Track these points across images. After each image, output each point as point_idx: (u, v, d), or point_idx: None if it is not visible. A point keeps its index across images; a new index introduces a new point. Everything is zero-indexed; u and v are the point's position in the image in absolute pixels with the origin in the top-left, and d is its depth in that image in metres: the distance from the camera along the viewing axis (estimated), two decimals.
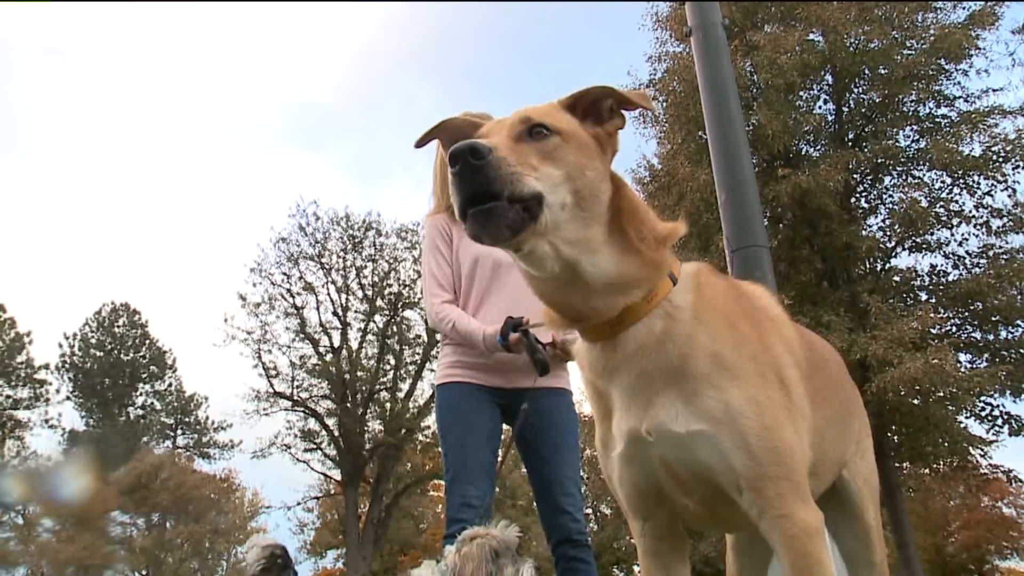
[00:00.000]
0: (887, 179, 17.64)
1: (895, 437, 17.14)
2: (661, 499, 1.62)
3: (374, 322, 34.27)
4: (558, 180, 1.43)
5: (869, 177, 17.66)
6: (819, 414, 1.73)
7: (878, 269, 17.61)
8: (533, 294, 3.51)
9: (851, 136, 17.60)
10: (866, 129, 17.44)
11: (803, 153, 17.85)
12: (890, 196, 17.56)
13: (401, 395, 33.91)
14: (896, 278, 17.31)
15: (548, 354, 3.25)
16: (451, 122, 1.73)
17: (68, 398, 47.09)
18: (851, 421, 1.94)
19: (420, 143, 1.77)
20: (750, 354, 1.54)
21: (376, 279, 34.07)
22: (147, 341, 50.68)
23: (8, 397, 42.09)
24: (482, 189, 1.35)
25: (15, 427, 42.32)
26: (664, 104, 18.84)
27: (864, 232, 17.07)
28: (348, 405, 32.85)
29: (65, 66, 72.24)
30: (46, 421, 44.05)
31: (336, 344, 33.80)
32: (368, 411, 33.83)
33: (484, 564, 2.59)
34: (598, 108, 1.58)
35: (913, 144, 17.12)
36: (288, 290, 33.40)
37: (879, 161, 17.01)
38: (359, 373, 33.60)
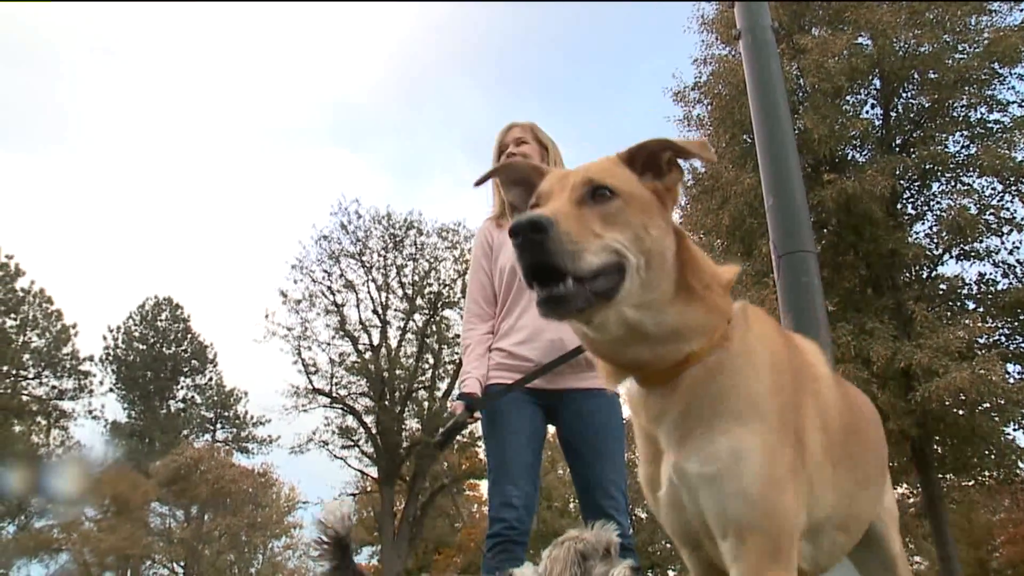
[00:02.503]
0: (935, 185, 17.36)
1: (939, 448, 16.86)
2: (699, 539, 1.60)
3: (413, 321, 34.39)
4: (621, 243, 1.40)
5: (916, 183, 17.40)
6: (851, 477, 1.71)
7: (924, 276, 17.33)
8: None
9: (898, 141, 17.36)
10: (914, 134, 17.19)
11: (849, 158, 17.62)
12: (938, 203, 17.28)
13: (439, 394, 33.99)
14: (942, 286, 17.01)
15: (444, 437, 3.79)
16: (513, 164, 1.73)
17: (111, 390, 47.86)
18: (883, 480, 1.90)
19: (479, 182, 1.77)
20: (779, 406, 1.51)
21: (416, 278, 34.18)
22: (189, 335, 51.36)
23: (54, 387, 42.80)
24: (544, 262, 1.34)
25: (60, 417, 43.04)
26: (709, 107, 18.74)
27: (910, 239, 16.82)
28: (386, 403, 32.99)
29: (113, 64, 73.47)
30: (90, 412, 44.74)
31: (375, 342, 33.97)
32: (406, 409, 33.94)
33: (570, 567, 2.63)
34: (656, 161, 1.55)
35: (963, 150, 16.84)
36: (329, 287, 33.63)
37: (927, 167, 16.75)
38: (398, 371, 33.73)
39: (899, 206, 17.42)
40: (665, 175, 1.55)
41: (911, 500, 26.85)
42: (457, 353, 33.23)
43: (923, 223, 17.50)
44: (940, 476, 17.25)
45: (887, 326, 15.33)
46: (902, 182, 17.14)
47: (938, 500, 16.64)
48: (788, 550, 1.44)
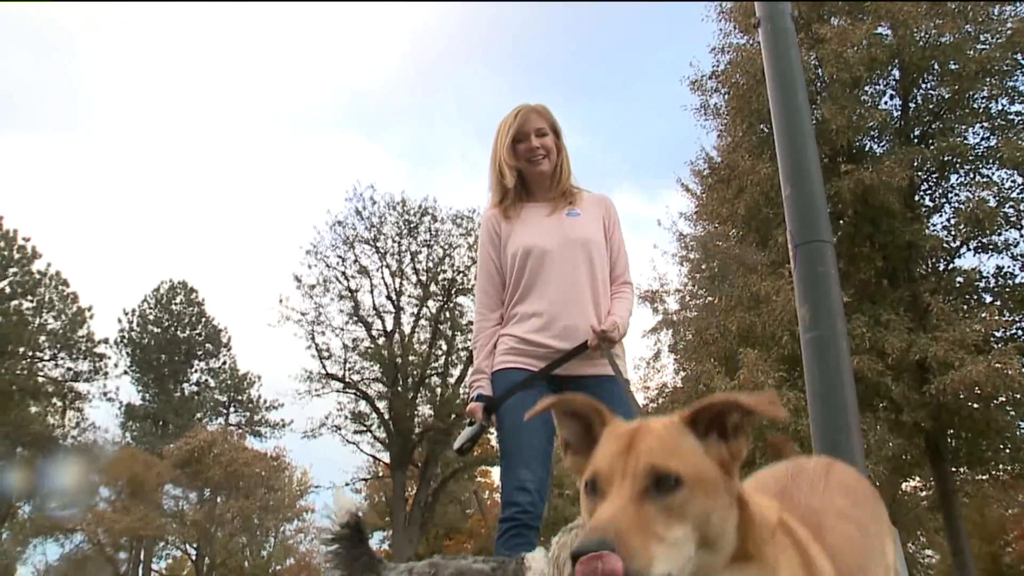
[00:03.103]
0: (953, 177, 17.21)
1: (953, 441, 16.79)
2: None
3: (427, 307, 34.45)
4: (684, 540, 1.33)
5: (935, 175, 17.26)
6: None
7: (941, 269, 17.21)
8: (584, 289, 3.56)
9: (917, 133, 17.20)
10: (933, 126, 17.03)
11: (867, 149, 17.49)
12: (956, 195, 17.14)
13: (452, 381, 34.07)
14: (959, 279, 16.90)
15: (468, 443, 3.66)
16: (569, 400, 1.66)
17: (126, 372, 48.20)
18: None
19: (532, 416, 1.71)
20: None
21: (430, 264, 34.22)
22: (203, 319, 51.61)
23: (69, 369, 43.08)
24: None
25: (75, 399, 43.37)
26: (726, 96, 18.63)
27: (928, 231, 16.71)
28: (399, 389, 33.09)
29: (128, 49, 73.66)
30: (104, 394, 45.07)
31: (389, 328, 34.05)
32: (419, 395, 34.04)
33: None
34: (722, 421, 1.47)
35: (983, 142, 16.66)
36: (343, 273, 33.70)
37: (946, 159, 16.60)
38: (411, 357, 33.82)
39: (917, 198, 17.29)
40: (731, 439, 1.47)
41: (923, 493, 26.80)
42: (470, 340, 33.27)
43: (941, 215, 17.38)
44: (954, 469, 17.17)
45: (903, 318, 15.24)
46: (920, 174, 17.01)
47: (951, 494, 16.57)
48: None
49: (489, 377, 3.67)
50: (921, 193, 17.51)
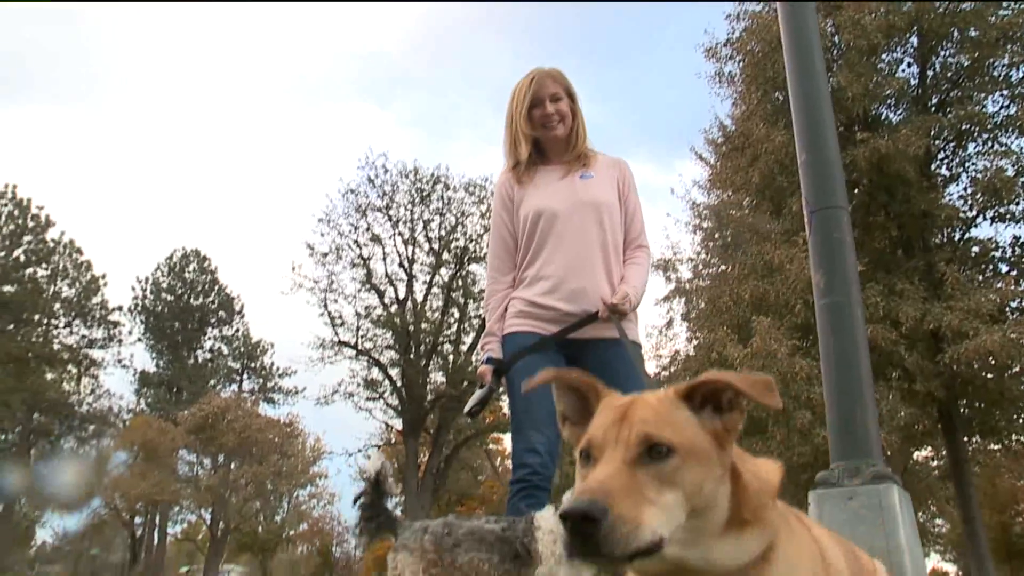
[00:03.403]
0: (971, 146, 17.05)
1: (966, 411, 16.77)
2: None
3: (439, 275, 34.49)
4: (675, 506, 1.35)
5: (952, 143, 17.11)
6: None
7: (956, 238, 17.11)
8: (594, 252, 3.55)
9: (935, 101, 17.04)
10: (951, 94, 16.86)
11: (883, 118, 17.34)
12: (973, 164, 17.00)
13: (464, 348, 34.18)
14: (975, 248, 16.81)
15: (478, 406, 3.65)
16: (566, 375, 1.69)
17: (139, 340, 48.59)
18: None
19: (530, 388, 1.77)
20: None
21: (443, 232, 34.21)
22: (216, 287, 51.86)
23: (84, 337, 43.46)
24: (591, 552, 1.28)
25: (90, 366, 43.74)
26: (741, 64, 18.48)
27: (944, 200, 16.59)
28: (411, 356, 33.22)
29: (140, 18, 73.46)
30: (119, 361, 45.49)
31: (401, 295, 34.12)
32: (431, 363, 34.18)
33: None
34: (717, 397, 1.49)
35: (1002, 110, 16.48)
36: (355, 241, 33.74)
37: (963, 127, 16.45)
38: (423, 325, 33.92)
39: (933, 167, 17.16)
40: (725, 413, 1.48)
41: (935, 463, 26.81)
42: (483, 307, 33.30)
43: (957, 184, 17.26)
44: (966, 439, 17.18)
45: (917, 287, 15.19)
46: (937, 142, 16.86)
47: (963, 463, 16.59)
48: None
49: (500, 340, 3.68)
50: (937, 162, 17.38)
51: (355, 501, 3.29)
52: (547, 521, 3.02)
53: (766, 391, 1.45)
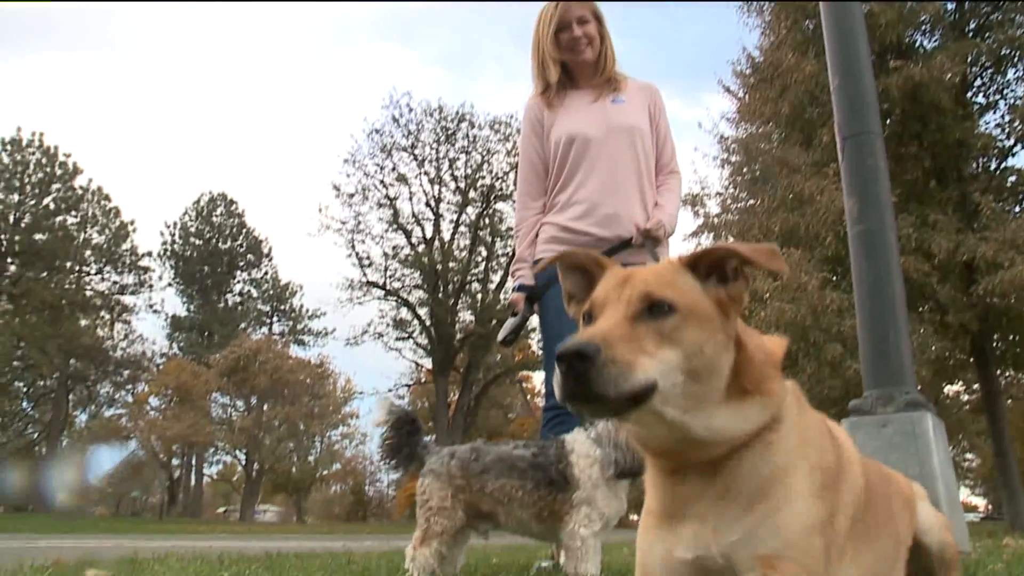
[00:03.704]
0: (1010, 72, 16.58)
1: (1000, 343, 16.61)
2: None
3: (466, 214, 34.47)
4: (674, 363, 1.33)
5: (989, 70, 16.64)
6: (870, 554, 1.65)
7: (992, 168, 16.75)
8: (627, 177, 3.50)
9: (972, 25, 16.50)
10: (991, 17, 16.31)
11: (916, 45, 16.86)
12: (1012, 90, 16.59)
13: (492, 287, 34.29)
14: (1012, 177, 16.46)
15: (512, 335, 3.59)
16: (573, 254, 1.66)
17: (170, 284, 49.15)
18: (900, 548, 1.82)
19: (539, 270, 1.78)
20: (822, 488, 1.47)
21: (469, 171, 34.09)
22: (244, 230, 52.12)
23: (115, 283, 43.97)
24: (584, 393, 1.26)
25: (122, 311, 44.31)
26: None
27: (980, 128, 16.21)
28: (440, 295, 33.38)
29: None
30: (150, 306, 46.11)
31: (428, 235, 34.19)
32: (459, 302, 34.34)
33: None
34: (722, 267, 1.46)
35: None
36: (381, 181, 33.73)
37: (1003, 52, 15.95)
38: (451, 264, 34.00)
39: (969, 94, 16.74)
40: (731, 282, 1.46)
41: (965, 397, 26.68)
42: (510, 246, 33.33)
43: (994, 112, 16.86)
44: (999, 372, 17.04)
45: (951, 218, 14.94)
46: (974, 69, 16.42)
47: (996, 395, 16.49)
48: None
49: (531, 266, 3.64)
50: (974, 89, 16.94)
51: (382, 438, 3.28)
52: (581, 445, 3.00)
53: (771, 257, 1.44)
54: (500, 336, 3.64)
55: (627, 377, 1.26)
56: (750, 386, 1.43)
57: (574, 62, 3.74)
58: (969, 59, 15.80)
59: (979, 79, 16.87)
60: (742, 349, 1.44)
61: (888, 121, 16.08)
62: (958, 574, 2.03)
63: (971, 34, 16.28)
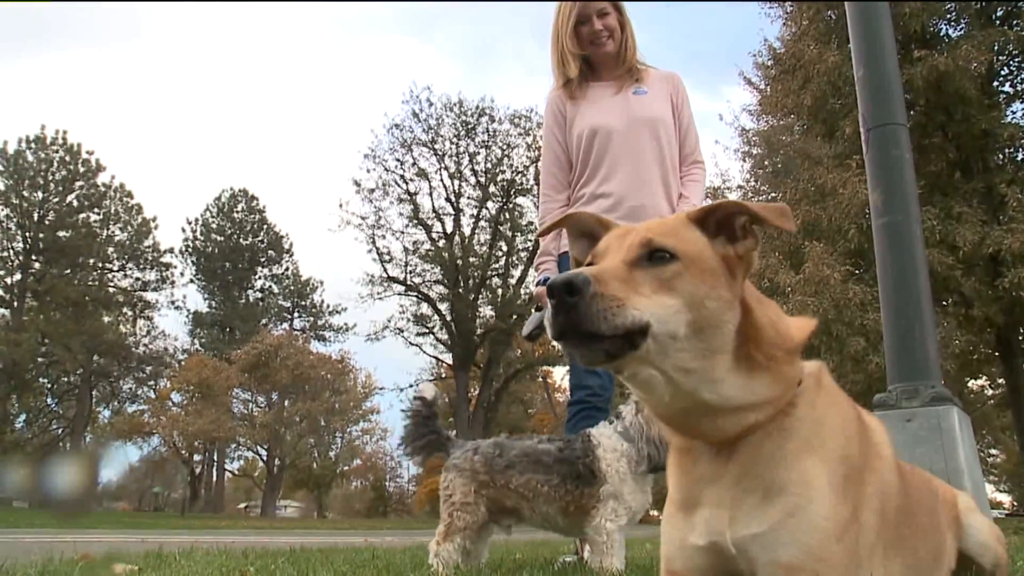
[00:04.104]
0: None
1: None
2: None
3: (487, 208, 34.49)
4: (672, 310, 1.31)
5: (1017, 58, 16.42)
6: (902, 562, 1.60)
7: (1019, 159, 16.53)
8: (652, 169, 3.48)
9: (999, 13, 16.27)
10: (1019, 4, 16.07)
11: (941, 33, 16.67)
12: None
13: (513, 281, 34.29)
14: None
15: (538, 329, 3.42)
16: (578, 216, 1.65)
17: (192, 281, 49.45)
18: (939, 565, 1.77)
19: (543, 233, 1.81)
20: (841, 477, 1.42)
21: (489, 165, 34.09)
22: (265, 226, 52.32)
23: (137, 279, 44.31)
24: (573, 327, 1.25)
25: (145, 308, 44.65)
26: None
27: (1006, 119, 15.99)
28: (460, 290, 33.41)
29: None
30: (172, 303, 46.41)
31: (449, 230, 34.22)
32: (480, 297, 34.36)
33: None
34: (731, 224, 1.43)
35: None
36: (401, 176, 33.80)
37: None
38: (471, 259, 34.03)
39: (995, 84, 16.52)
40: (739, 241, 1.43)
41: (990, 392, 26.43)
42: (530, 240, 33.33)
43: (1022, 101, 16.60)
44: None
45: (976, 210, 14.75)
46: (1001, 57, 16.19)
47: (1022, 390, 16.29)
48: None
49: (556, 259, 3.64)
50: (1000, 79, 16.71)
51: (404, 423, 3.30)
52: (607, 439, 2.99)
53: (781, 215, 1.42)
54: (524, 331, 3.61)
55: (617, 312, 1.24)
56: (759, 358, 1.39)
57: (595, 55, 3.72)
58: (996, 47, 15.58)
59: (1006, 68, 16.65)
60: (749, 314, 1.41)
61: (912, 112, 15.90)
62: None
63: (998, 22, 16.03)
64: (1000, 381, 22.30)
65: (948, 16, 16.54)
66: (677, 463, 1.54)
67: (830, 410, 1.49)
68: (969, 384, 23.92)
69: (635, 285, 1.30)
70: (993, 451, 39.52)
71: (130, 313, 44.26)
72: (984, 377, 23.52)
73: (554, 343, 1.31)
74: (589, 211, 3.50)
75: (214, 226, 51.25)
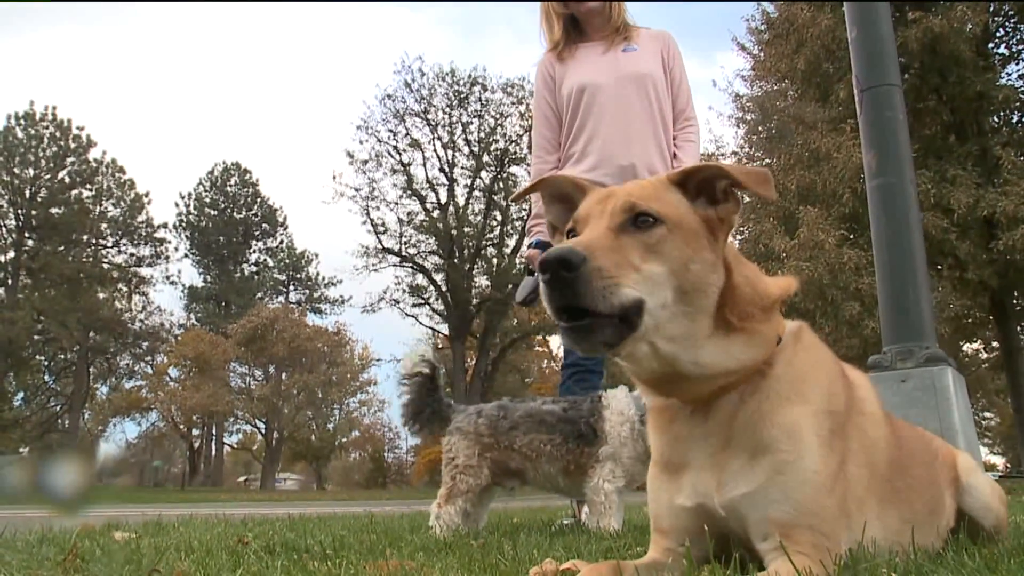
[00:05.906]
0: None
1: (1019, 299, 16.45)
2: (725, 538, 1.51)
3: (480, 178, 34.40)
4: (660, 279, 1.31)
5: (1013, 19, 16.29)
6: (898, 515, 1.61)
7: (1014, 121, 16.47)
8: (642, 126, 3.45)
9: None
10: None
11: None
12: None
13: (508, 251, 34.29)
14: None
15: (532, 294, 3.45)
16: (553, 179, 1.62)
17: (186, 255, 49.34)
18: (935, 519, 1.77)
19: (517, 198, 1.69)
20: (827, 431, 1.43)
21: (482, 135, 33.96)
22: (258, 199, 52.14)
23: (132, 255, 44.19)
24: (573, 303, 1.24)
25: (139, 283, 44.56)
26: None
27: (1001, 81, 15.91)
28: (455, 261, 33.42)
29: None
30: (167, 278, 46.32)
31: (443, 200, 34.16)
32: (475, 267, 34.39)
33: None
34: (712, 187, 1.43)
35: None
36: (395, 147, 33.67)
37: None
38: (466, 229, 34.00)
39: (991, 46, 16.42)
40: (720, 204, 1.43)
41: (984, 356, 26.54)
42: (525, 209, 33.28)
43: (1017, 63, 16.54)
44: (1019, 328, 16.90)
45: (970, 173, 14.72)
46: (996, 18, 16.09)
47: (1016, 352, 16.36)
48: (831, 548, 1.37)
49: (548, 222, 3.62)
50: (996, 40, 16.61)
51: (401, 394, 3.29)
52: (618, 401, 3.01)
53: (761, 181, 1.42)
54: (518, 296, 3.61)
55: (615, 292, 1.25)
56: (734, 319, 1.40)
57: (580, 12, 3.70)
58: (992, 9, 15.48)
59: (1001, 29, 16.56)
60: (729, 275, 1.41)
61: (906, 75, 15.80)
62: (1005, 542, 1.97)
63: None
64: (994, 344, 22.40)
65: None
66: (654, 422, 1.56)
67: (811, 366, 1.50)
68: (964, 347, 24.03)
69: (624, 253, 1.30)
70: (987, 414, 39.77)
71: (125, 289, 44.17)
72: (978, 340, 23.62)
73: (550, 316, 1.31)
74: (574, 172, 3.51)
75: (207, 200, 51.05)
